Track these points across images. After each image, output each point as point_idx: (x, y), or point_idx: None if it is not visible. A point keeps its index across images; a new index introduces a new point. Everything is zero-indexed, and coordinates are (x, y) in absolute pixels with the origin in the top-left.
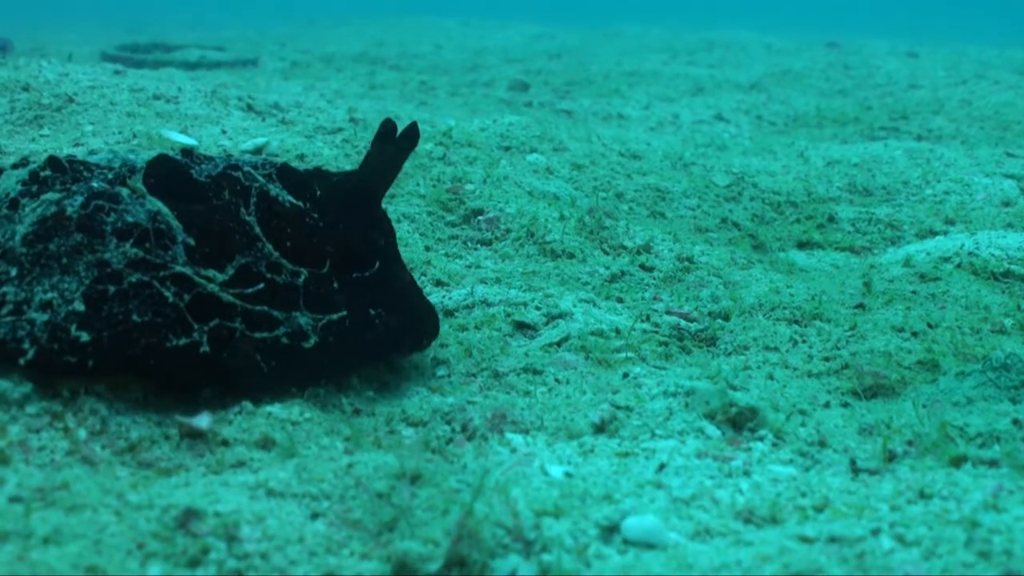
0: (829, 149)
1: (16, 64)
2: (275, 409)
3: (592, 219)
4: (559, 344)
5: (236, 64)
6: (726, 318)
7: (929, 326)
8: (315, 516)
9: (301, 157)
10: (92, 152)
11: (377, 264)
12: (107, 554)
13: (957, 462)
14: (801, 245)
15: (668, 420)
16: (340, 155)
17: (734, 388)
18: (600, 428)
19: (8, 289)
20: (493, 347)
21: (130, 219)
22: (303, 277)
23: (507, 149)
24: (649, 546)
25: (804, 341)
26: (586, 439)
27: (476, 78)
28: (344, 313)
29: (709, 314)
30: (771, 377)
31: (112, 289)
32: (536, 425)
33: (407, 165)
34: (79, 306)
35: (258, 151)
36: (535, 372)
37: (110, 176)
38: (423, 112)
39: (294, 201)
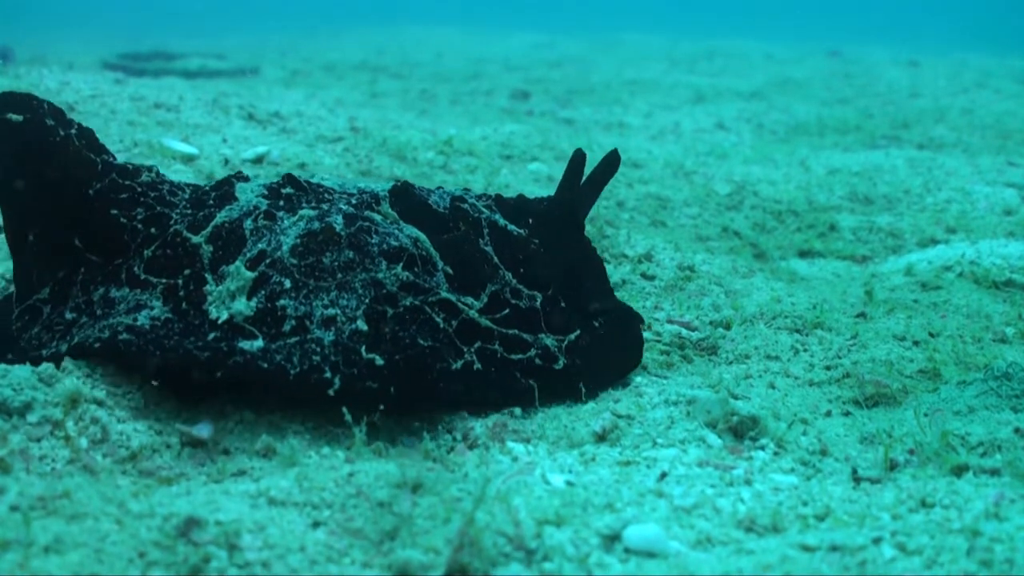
0: (830, 158)
1: (17, 73)
2: (276, 418)
3: (593, 228)
4: None
5: (237, 73)
6: (727, 327)
7: (931, 335)
8: (316, 525)
9: (302, 166)
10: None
11: (588, 284)
12: (108, 563)
13: (959, 471)
14: (802, 254)
15: (669, 429)
16: (341, 164)
17: (735, 397)
18: (601, 437)
19: (286, 302)
20: None
21: (395, 243)
22: (539, 300)
23: (508, 158)
24: (650, 555)
25: (805, 350)
26: (587, 448)
27: (477, 87)
28: (578, 332)
29: (710, 323)
30: (772, 386)
31: (390, 311)
32: (537, 434)
33: (409, 174)
34: (362, 325)
35: (259, 160)
36: None
37: (354, 200)
38: (424, 121)
39: (518, 230)
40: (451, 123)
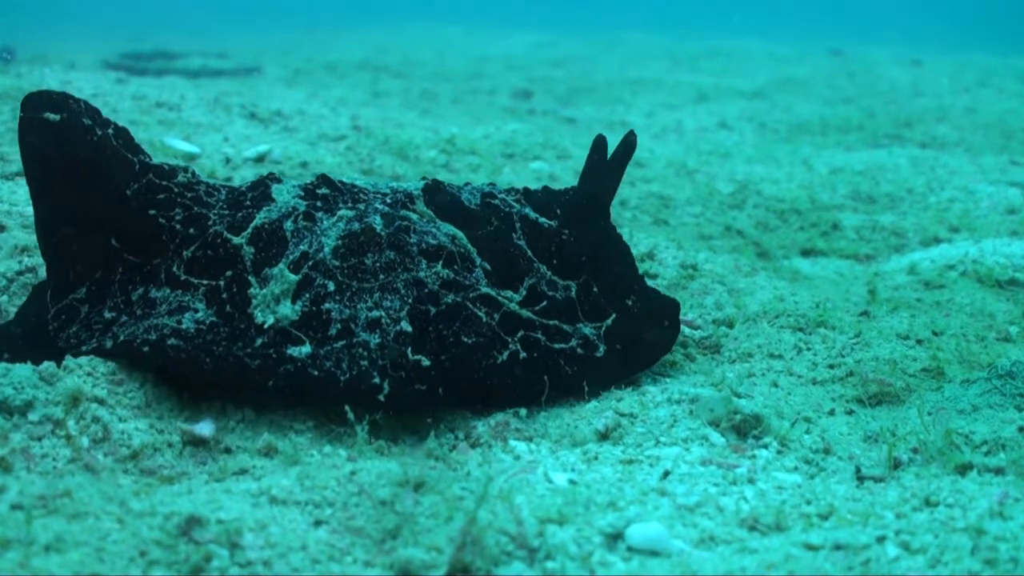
0: (833, 157)
1: (19, 72)
2: (277, 416)
3: None
4: None
5: (239, 72)
6: (730, 325)
7: (934, 334)
8: (318, 523)
9: (304, 165)
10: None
11: (616, 269)
12: (109, 562)
13: (963, 470)
14: (805, 252)
15: (672, 427)
16: (343, 162)
17: (738, 395)
18: (604, 435)
19: (331, 306)
20: None
21: (433, 241)
22: (573, 290)
23: (510, 156)
24: (653, 553)
25: (809, 348)
26: (590, 446)
27: (479, 85)
28: (614, 316)
29: (713, 321)
30: (776, 384)
31: (433, 310)
32: (540, 432)
33: (411, 173)
34: (406, 326)
35: (260, 159)
36: None
37: (388, 200)
38: (426, 119)
39: (548, 222)
40: (453, 122)
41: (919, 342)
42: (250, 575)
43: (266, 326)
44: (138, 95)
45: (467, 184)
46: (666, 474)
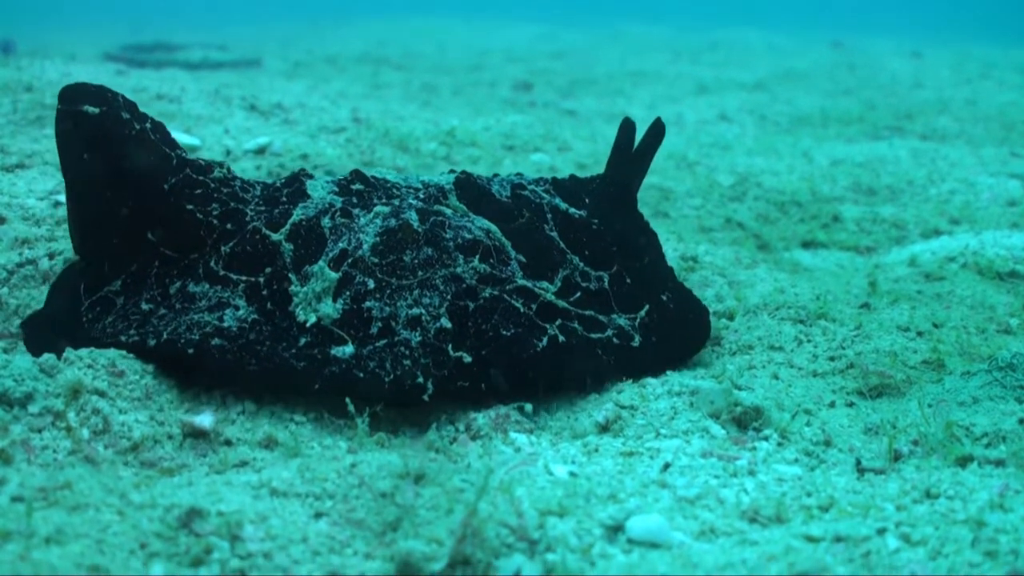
0: (833, 149)
1: (19, 64)
2: (278, 408)
3: None
4: None
5: (239, 64)
6: (731, 318)
7: (934, 326)
8: (318, 515)
9: (304, 157)
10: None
11: (647, 260)
12: (110, 554)
13: (963, 462)
14: (806, 245)
15: (673, 419)
16: (343, 155)
17: (739, 387)
18: (604, 427)
19: (372, 304)
20: None
21: (468, 236)
22: (606, 280)
23: (511, 149)
24: (654, 545)
25: (809, 341)
26: (590, 438)
27: (479, 78)
28: (648, 307)
29: (714, 313)
30: (776, 376)
31: (471, 305)
32: (540, 424)
33: (412, 165)
34: (446, 323)
35: (261, 151)
36: None
37: (421, 195)
38: (426, 112)
39: (579, 211)
40: (453, 114)
41: (920, 334)
42: (251, 567)
43: (308, 325)
44: (138, 87)
45: (495, 175)
46: (666, 466)
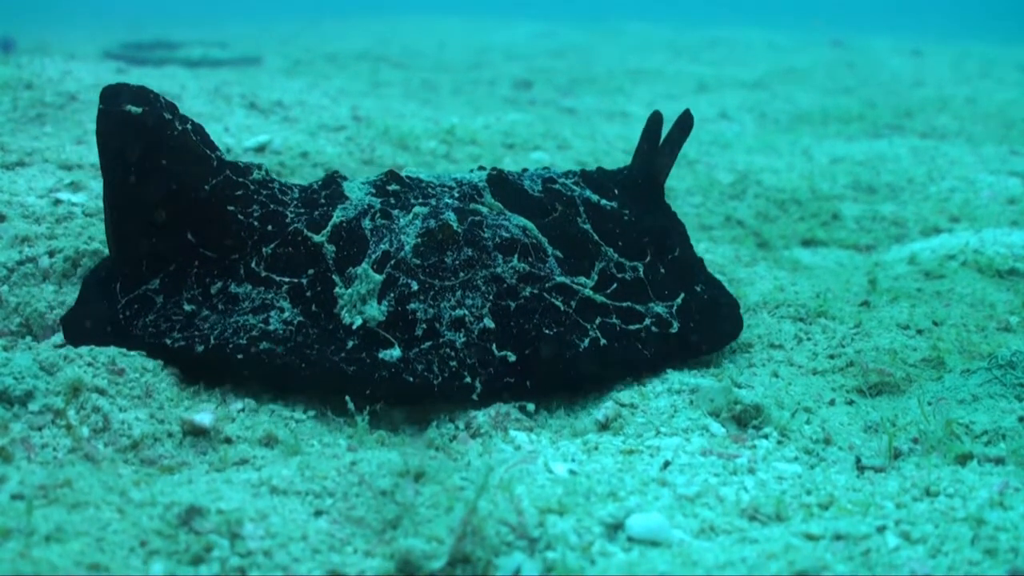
0: (833, 147)
1: (19, 62)
2: (278, 406)
3: None
4: None
5: (239, 62)
6: None
7: (934, 324)
8: (318, 513)
9: (304, 155)
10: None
11: (679, 251)
12: (110, 552)
13: (963, 460)
14: (806, 243)
15: (673, 418)
16: (344, 152)
17: (739, 385)
18: (604, 426)
19: (416, 306)
20: None
21: (506, 235)
22: (641, 270)
23: (511, 147)
24: (654, 543)
25: (809, 339)
26: (590, 437)
27: (479, 76)
28: (683, 295)
29: None
30: (776, 375)
31: (512, 304)
32: (540, 423)
33: (412, 163)
34: (489, 323)
35: (261, 149)
36: None
37: (456, 193)
38: (426, 110)
39: (610, 203)
40: (453, 112)
41: (919, 332)
42: (251, 565)
43: (354, 327)
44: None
45: (525, 170)
46: (666, 464)
